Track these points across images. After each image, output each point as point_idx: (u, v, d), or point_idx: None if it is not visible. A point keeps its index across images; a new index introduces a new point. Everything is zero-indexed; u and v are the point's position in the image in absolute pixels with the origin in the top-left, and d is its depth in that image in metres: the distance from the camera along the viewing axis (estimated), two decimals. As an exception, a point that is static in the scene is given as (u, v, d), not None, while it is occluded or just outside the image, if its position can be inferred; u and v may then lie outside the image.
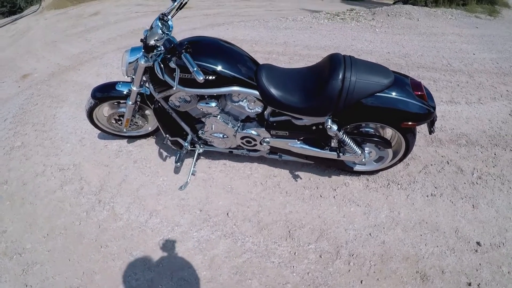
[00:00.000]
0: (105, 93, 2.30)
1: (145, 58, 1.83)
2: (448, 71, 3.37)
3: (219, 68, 1.70)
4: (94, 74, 3.88)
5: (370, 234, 1.77)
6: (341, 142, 1.78)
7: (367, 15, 5.28)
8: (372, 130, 1.87)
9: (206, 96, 1.88)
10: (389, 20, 4.96)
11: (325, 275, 1.59)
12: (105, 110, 2.47)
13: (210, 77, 1.69)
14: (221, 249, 1.79)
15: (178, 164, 2.12)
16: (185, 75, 1.70)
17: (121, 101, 2.35)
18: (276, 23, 5.36)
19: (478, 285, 1.51)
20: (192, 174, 2.12)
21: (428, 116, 1.63)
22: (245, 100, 1.88)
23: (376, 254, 1.66)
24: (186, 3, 1.87)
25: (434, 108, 1.64)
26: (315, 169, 2.20)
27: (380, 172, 2.12)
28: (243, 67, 1.79)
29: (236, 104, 1.90)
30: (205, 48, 1.77)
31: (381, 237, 1.75)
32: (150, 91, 2.04)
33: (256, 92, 1.77)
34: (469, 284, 1.52)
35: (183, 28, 5.78)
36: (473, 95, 2.92)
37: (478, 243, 1.70)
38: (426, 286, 1.51)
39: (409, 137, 1.77)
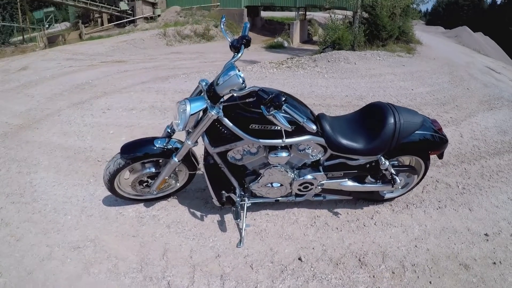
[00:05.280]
0: (140, 151, 2.23)
1: (216, 109, 1.89)
2: (401, 107, 4.58)
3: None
4: (60, 133, 3.92)
5: (416, 246, 2.50)
6: (391, 175, 2.44)
7: (309, 62, 6.52)
8: (397, 162, 2.65)
9: (279, 147, 2.15)
10: (331, 66, 6.26)
11: (404, 285, 2.22)
12: (125, 173, 2.39)
13: (292, 127, 1.95)
14: (314, 292, 2.14)
15: (239, 220, 2.30)
16: (271, 127, 1.90)
17: (145, 161, 2.34)
18: (229, 74, 6.08)
19: (500, 262, 2.36)
20: (245, 229, 2.35)
21: (446, 144, 2.48)
22: (310, 147, 2.24)
23: (428, 260, 2.39)
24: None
25: (447, 137, 2.49)
26: (347, 203, 2.87)
27: (397, 198, 2.92)
28: (310, 116, 2.16)
29: (301, 152, 2.24)
30: None
31: (424, 246, 2.50)
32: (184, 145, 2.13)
33: (322, 139, 2.19)
34: (494, 263, 2.36)
35: (131, 82, 6.14)
36: (428, 125, 4.11)
37: (486, 234, 2.60)
38: (470, 272, 2.29)
39: (428, 163, 2.63)
